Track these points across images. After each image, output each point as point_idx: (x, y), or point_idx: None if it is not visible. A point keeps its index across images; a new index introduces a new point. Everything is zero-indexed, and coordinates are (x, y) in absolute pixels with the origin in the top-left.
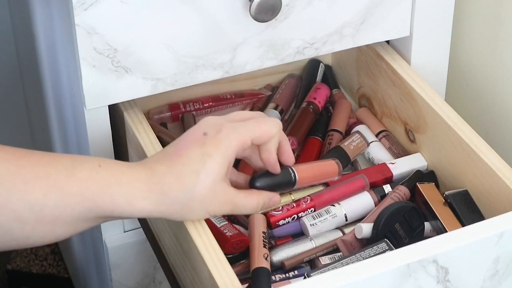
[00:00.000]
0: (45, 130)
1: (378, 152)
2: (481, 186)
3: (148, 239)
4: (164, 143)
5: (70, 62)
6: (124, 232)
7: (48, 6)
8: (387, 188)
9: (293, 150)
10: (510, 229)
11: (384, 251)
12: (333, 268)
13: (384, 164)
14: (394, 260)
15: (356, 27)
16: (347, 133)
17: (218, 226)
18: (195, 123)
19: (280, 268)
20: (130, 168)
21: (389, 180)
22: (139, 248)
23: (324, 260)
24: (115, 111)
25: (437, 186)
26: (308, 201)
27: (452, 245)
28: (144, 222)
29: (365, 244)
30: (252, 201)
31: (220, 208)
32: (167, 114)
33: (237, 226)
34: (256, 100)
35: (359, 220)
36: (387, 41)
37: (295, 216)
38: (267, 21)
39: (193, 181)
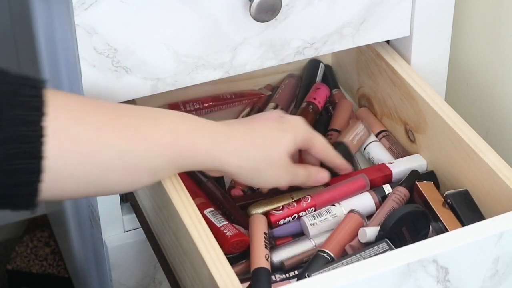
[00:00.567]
0: None
1: (378, 152)
2: (481, 186)
3: (148, 239)
4: None
5: (70, 62)
6: (124, 232)
7: (48, 6)
8: (387, 188)
9: None
10: (510, 229)
11: (384, 251)
12: (333, 268)
13: (383, 164)
14: (394, 260)
15: (356, 27)
16: None
17: (218, 226)
18: None
19: (280, 268)
20: (210, 122)
21: (389, 178)
22: (139, 248)
23: None
24: None
25: (437, 186)
26: (309, 201)
27: (452, 245)
28: (144, 222)
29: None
30: (304, 170)
31: (284, 176)
32: None
33: (237, 226)
34: (256, 100)
35: None
36: (387, 41)
37: (296, 215)
38: (267, 21)
39: (268, 146)
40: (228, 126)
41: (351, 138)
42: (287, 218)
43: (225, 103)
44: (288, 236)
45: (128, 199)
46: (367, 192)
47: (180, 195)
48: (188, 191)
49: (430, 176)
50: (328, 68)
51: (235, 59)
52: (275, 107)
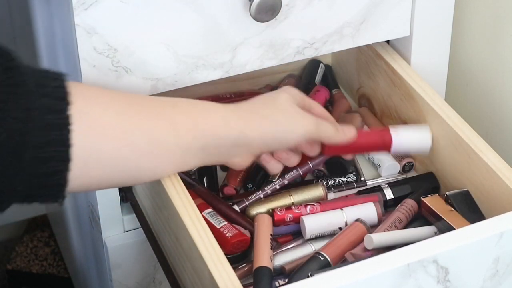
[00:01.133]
0: None
1: None
2: (481, 186)
3: (148, 239)
4: None
5: (70, 62)
6: (124, 232)
7: (48, 6)
8: (388, 192)
9: None
10: (510, 229)
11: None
12: (333, 268)
13: (387, 129)
14: (394, 260)
15: (356, 27)
16: None
17: (218, 227)
18: None
19: (281, 272)
20: (218, 103)
21: (387, 145)
22: (139, 248)
23: None
24: None
25: (437, 186)
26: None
27: (452, 245)
28: (144, 222)
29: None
30: (329, 122)
31: (304, 120)
32: None
33: (237, 226)
34: None
35: None
36: (387, 41)
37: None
38: (267, 21)
39: (273, 101)
40: (234, 105)
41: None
42: (288, 216)
43: (225, 103)
44: (288, 234)
45: (128, 199)
46: (371, 202)
47: (180, 195)
48: (188, 191)
49: (429, 177)
50: (328, 68)
51: (235, 59)
52: None
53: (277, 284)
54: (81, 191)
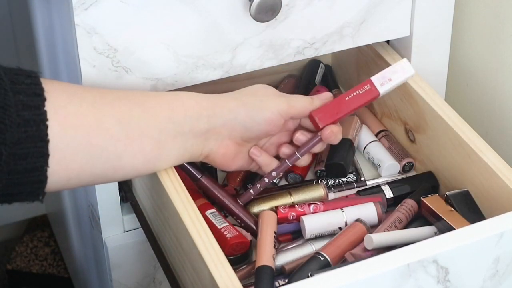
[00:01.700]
0: None
1: (378, 152)
2: (481, 186)
3: (148, 239)
4: None
5: (70, 62)
6: (124, 232)
7: (48, 6)
8: (387, 191)
9: None
10: (510, 229)
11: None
12: (333, 268)
13: (369, 81)
14: (394, 260)
15: (356, 27)
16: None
17: (219, 227)
18: None
19: (281, 272)
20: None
21: (374, 95)
22: (139, 248)
23: None
24: None
25: (437, 186)
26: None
27: (452, 245)
28: (144, 222)
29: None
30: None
31: (276, 98)
32: None
33: (239, 228)
34: None
35: None
36: (387, 41)
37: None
38: (267, 21)
39: (247, 88)
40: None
41: (354, 135)
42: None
43: None
44: (288, 233)
45: (128, 199)
46: (371, 202)
47: (180, 195)
48: (188, 191)
49: (428, 177)
50: (328, 68)
51: (235, 59)
52: None
53: (277, 284)
54: (61, 188)
